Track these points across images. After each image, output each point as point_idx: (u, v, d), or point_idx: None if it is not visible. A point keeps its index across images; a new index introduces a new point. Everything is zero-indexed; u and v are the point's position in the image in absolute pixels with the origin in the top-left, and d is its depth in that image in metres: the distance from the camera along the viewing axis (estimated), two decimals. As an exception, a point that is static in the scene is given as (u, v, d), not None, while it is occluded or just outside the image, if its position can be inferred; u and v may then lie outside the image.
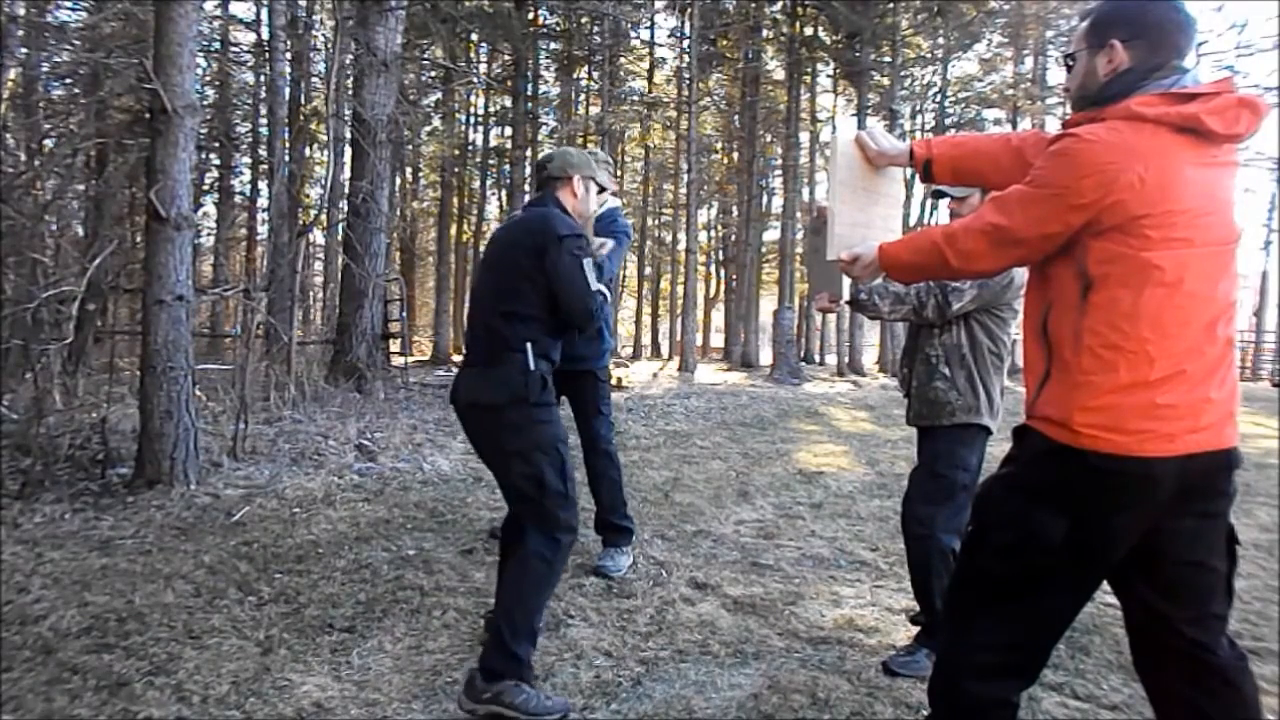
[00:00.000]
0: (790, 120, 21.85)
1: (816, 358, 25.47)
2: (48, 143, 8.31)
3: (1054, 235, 1.53)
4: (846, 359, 20.33)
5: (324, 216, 10.67)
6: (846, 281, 2.33)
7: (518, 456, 2.42)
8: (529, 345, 2.44)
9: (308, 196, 15.62)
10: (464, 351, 2.71)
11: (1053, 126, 17.01)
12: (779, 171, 25.14)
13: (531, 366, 2.43)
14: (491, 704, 2.23)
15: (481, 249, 25.18)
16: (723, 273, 30.40)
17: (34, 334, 5.36)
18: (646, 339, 30.62)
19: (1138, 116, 1.48)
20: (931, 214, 19.91)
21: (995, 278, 2.48)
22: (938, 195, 2.79)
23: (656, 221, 28.17)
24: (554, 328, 2.53)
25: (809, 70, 22.38)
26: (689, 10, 17.85)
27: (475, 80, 18.31)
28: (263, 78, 15.22)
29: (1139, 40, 1.56)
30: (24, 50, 8.00)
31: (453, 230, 23.84)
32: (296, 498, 4.55)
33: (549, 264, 2.44)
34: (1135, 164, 1.44)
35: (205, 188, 17.53)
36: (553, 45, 21.16)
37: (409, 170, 23.20)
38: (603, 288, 2.59)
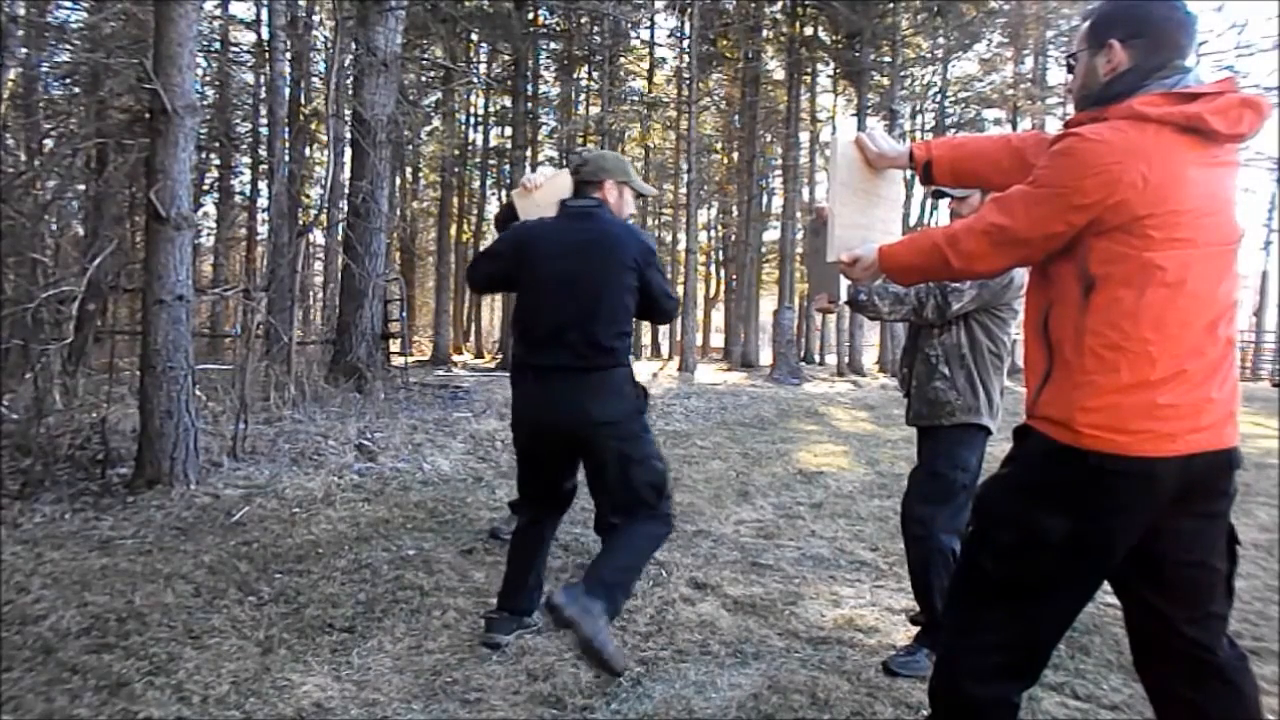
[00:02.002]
0: (790, 120, 21.85)
1: (816, 358, 25.48)
2: (48, 143, 8.31)
3: (1057, 235, 1.53)
4: (846, 359, 20.33)
5: (324, 216, 10.67)
6: (844, 282, 2.33)
7: (640, 465, 2.54)
8: (629, 359, 2.58)
9: (308, 196, 15.60)
10: (540, 362, 2.60)
11: (1053, 126, 17.01)
12: (779, 171, 25.14)
13: (636, 379, 2.60)
14: (583, 613, 2.21)
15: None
16: (723, 273, 30.40)
17: (34, 334, 5.35)
18: (646, 339, 30.63)
19: (1141, 116, 1.48)
20: (932, 214, 19.91)
21: (996, 278, 2.48)
22: (938, 195, 2.80)
23: (656, 221, 28.15)
24: None
25: (809, 70, 22.38)
26: (689, 10, 17.84)
27: (475, 80, 18.33)
28: (263, 78, 15.21)
29: (1138, 39, 1.56)
30: (24, 50, 8.00)
31: (453, 230, 23.83)
32: (296, 498, 4.55)
33: (648, 279, 2.59)
34: (1138, 164, 1.44)
35: (205, 188, 17.52)
36: (553, 45, 21.17)
37: (409, 170, 23.20)
38: None
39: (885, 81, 19.77)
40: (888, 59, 19.31)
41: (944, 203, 2.81)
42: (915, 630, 2.87)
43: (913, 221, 19.48)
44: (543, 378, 2.60)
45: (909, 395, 2.84)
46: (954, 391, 2.67)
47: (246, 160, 18.76)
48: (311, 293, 21.04)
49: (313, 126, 14.37)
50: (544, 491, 2.81)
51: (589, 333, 2.52)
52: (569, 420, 2.56)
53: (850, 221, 1.98)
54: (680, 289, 23.52)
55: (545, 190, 3.53)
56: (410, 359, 13.99)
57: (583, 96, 23.53)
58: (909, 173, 2.08)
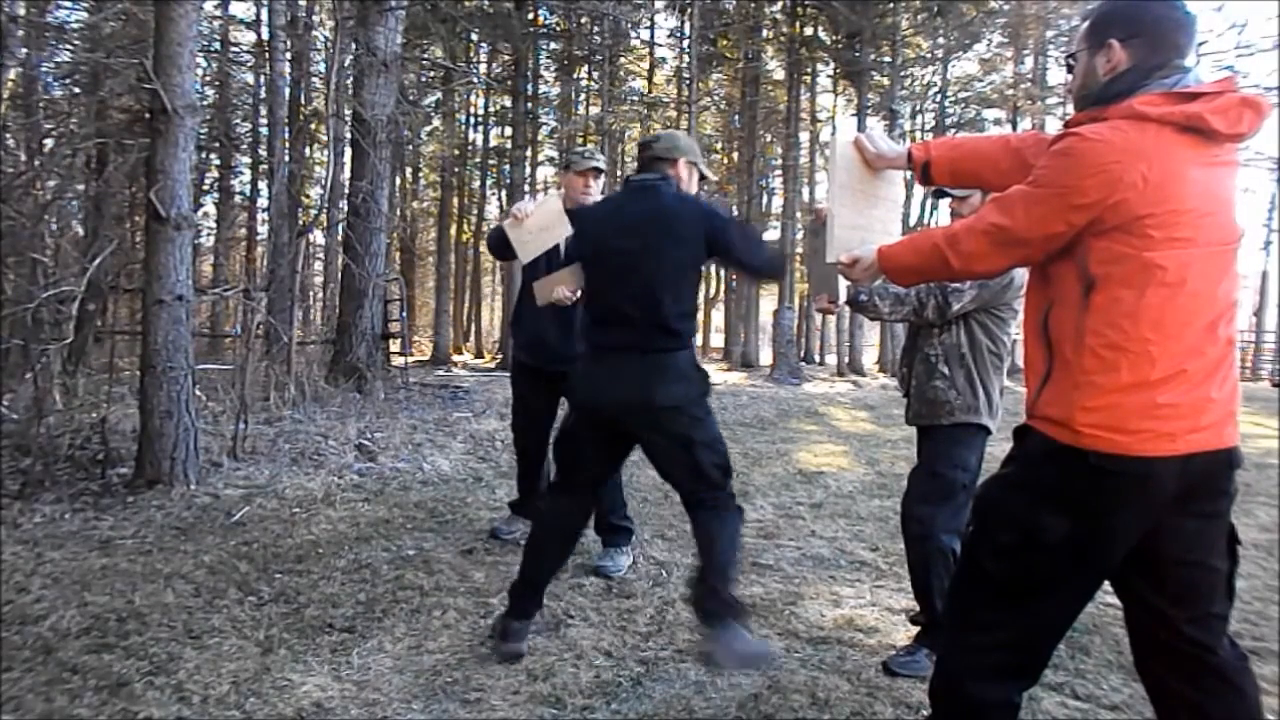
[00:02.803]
0: (790, 120, 21.84)
1: (816, 358, 25.48)
2: (48, 143, 8.30)
3: (1057, 235, 1.53)
4: (846, 359, 20.33)
5: (324, 216, 10.67)
6: (843, 284, 2.33)
7: (706, 447, 2.52)
8: (692, 341, 2.55)
9: (308, 196, 15.60)
10: (600, 340, 2.58)
11: (1053, 126, 17.00)
12: (779, 171, 25.13)
13: (698, 361, 2.56)
14: (737, 655, 2.37)
15: (482, 248, 25.30)
16: (723, 272, 30.37)
17: (34, 334, 5.35)
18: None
19: (1141, 116, 1.48)
20: (931, 215, 19.91)
21: (996, 278, 2.49)
22: (939, 195, 2.80)
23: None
24: None
25: (809, 70, 22.38)
26: (689, 10, 17.85)
27: (475, 80, 18.31)
28: (263, 78, 15.20)
29: (1136, 39, 1.56)
30: (24, 50, 7.99)
31: (453, 230, 23.83)
32: (296, 498, 4.55)
33: (725, 243, 2.53)
34: (1139, 163, 1.44)
35: (205, 188, 17.50)
36: (553, 45, 21.15)
37: (409, 170, 23.19)
38: None
39: (885, 81, 19.76)
40: (888, 59, 19.31)
41: (944, 203, 2.81)
42: (915, 630, 2.87)
43: (913, 221, 19.47)
44: (602, 357, 2.57)
45: (908, 394, 2.84)
46: (953, 391, 2.67)
47: (246, 160, 18.74)
48: (311, 293, 21.04)
49: (313, 126, 14.36)
50: (582, 480, 2.73)
51: (652, 312, 2.47)
52: (630, 402, 2.50)
53: (849, 222, 1.98)
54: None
55: (536, 217, 3.53)
56: (410, 359, 13.99)
57: (583, 96, 23.52)
58: (908, 173, 2.08)
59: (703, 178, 2.81)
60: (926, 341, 2.75)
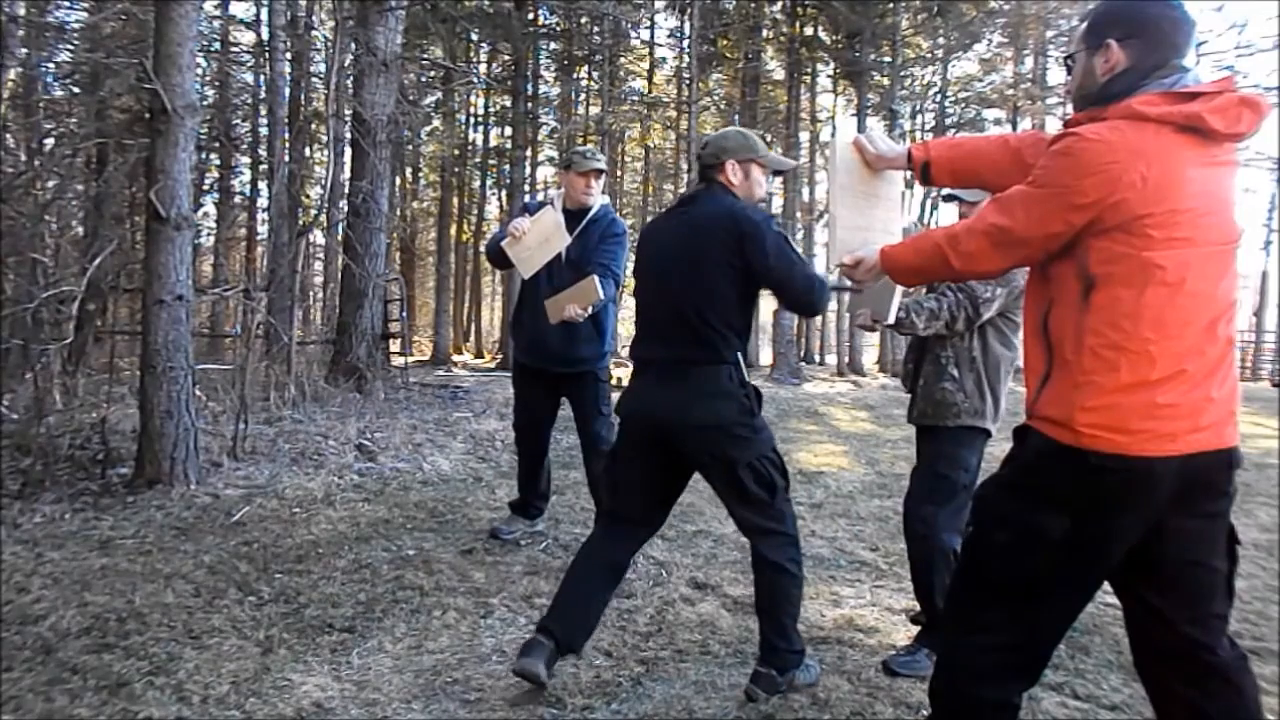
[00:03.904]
0: (790, 120, 21.85)
1: (816, 358, 25.47)
2: (48, 143, 8.31)
3: (1057, 235, 1.53)
4: (846, 359, 20.34)
5: (324, 216, 10.65)
6: (895, 303, 2.32)
7: (749, 468, 2.38)
8: (738, 356, 2.41)
9: (308, 196, 15.59)
10: (643, 360, 2.53)
11: (1053, 126, 17.02)
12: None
13: (746, 377, 2.41)
14: (788, 691, 2.44)
15: (481, 248, 25.37)
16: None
17: (34, 334, 5.36)
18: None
19: (1140, 116, 1.48)
20: (933, 214, 19.91)
21: (1018, 279, 2.48)
22: (948, 199, 2.79)
23: (657, 222, 28.09)
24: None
25: (809, 70, 22.38)
26: (689, 10, 17.85)
27: (475, 80, 18.32)
28: (263, 78, 15.19)
29: (1134, 39, 1.56)
30: (24, 50, 7.99)
31: (453, 230, 23.83)
32: (296, 498, 4.55)
33: (751, 262, 2.33)
34: (1138, 163, 1.44)
35: (205, 188, 17.47)
36: (553, 45, 21.17)
37: (409, 170, 23.19)
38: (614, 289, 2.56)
39: (885, 81, 19.76)
40: (888, 59, 19.31)
41: (950, 206, 2.80)
42: (915, 630, 2.87)
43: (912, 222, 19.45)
44: (643, 372, 2.54)
45: (913, 391, 2.83)
46: (961, 394, 2.67)
47: (246, 160, 18.73)
48: (311, 293, 21.03)
49: (313, 126, 14.36)
50: (629, 508, 2.58)
51: (686, 326, 2.38)
52: (668, 419, 2.41)
53: (851, 223, 1.99)
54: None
55: (534, 232, 3.53)
56: (410, 359, 13.99)
57: (583, 96, 23.54)
58: (908, 173, 2.08)
59: (776, 170, 2.62)
60: (938, 342, 2.73)
